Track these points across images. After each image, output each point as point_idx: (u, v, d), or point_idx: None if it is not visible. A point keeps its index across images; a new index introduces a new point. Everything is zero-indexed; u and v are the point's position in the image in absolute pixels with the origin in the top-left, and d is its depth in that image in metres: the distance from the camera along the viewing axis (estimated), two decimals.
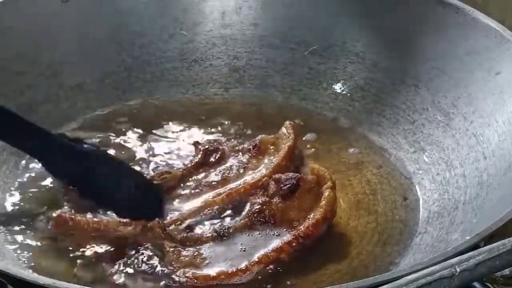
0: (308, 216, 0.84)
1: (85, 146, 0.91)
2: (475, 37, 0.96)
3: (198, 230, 0.86)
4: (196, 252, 0.83)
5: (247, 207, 0.87)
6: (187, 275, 0.80)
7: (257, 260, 0.81)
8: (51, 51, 1.02)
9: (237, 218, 0.86)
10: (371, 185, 0.93)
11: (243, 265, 0.81)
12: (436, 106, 0.97)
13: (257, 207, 0.86)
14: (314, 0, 1.07)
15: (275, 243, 0.83)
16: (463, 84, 0.95)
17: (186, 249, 0.83)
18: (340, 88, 1.05)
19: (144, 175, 0.92)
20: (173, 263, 0.81)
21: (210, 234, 0.84)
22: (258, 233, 0.84)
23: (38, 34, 1.02)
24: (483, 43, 0.95)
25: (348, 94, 1.04)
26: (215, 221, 0.87)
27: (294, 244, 0.82)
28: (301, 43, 1.07)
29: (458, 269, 0.63)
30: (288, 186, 0.86)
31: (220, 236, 0.84)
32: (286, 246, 0.82)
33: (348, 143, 0.99)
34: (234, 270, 0.80)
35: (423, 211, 0.89)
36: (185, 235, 0.85)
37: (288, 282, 0.81)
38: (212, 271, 0.80)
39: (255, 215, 0.85)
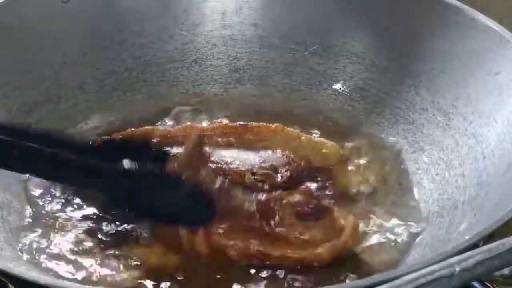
0: (297, 248, 0.81)
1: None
2: (474, 37, 0.96)
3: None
4: None
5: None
6: None
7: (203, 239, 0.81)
8: (51, 51, 1.03)
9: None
10: (371, 185, 0.94)
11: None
12: (435, 106, 0.97)
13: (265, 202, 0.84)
14: (314, 0, 1.07)
15: (238, 239, 0.81)
16: (462, 84, 0.95)
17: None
18: (340, 88, 1.05)
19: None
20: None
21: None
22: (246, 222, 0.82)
23: (38, 34, 1.02)
24: (483, 43, 0.95)
25: (348, 94, 1.05)
26: None
27: (241, 256, 0.80)
28: (301, 43, 1.07)
29: (457, 269, 0.63)
30: (305, 212, 0.83)
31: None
32: (239, 250, 0.80)
33: (348, 143, 0.99)
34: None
35: (423, 211, 0.89)
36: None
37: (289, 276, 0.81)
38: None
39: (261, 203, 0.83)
